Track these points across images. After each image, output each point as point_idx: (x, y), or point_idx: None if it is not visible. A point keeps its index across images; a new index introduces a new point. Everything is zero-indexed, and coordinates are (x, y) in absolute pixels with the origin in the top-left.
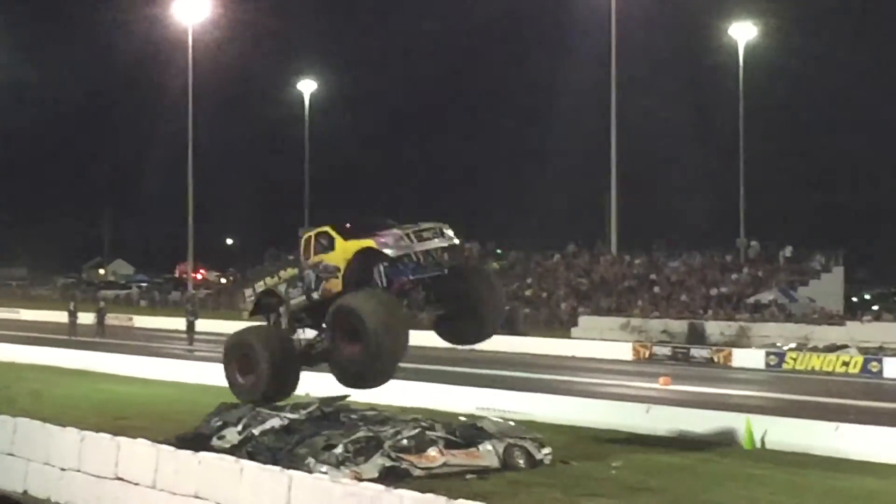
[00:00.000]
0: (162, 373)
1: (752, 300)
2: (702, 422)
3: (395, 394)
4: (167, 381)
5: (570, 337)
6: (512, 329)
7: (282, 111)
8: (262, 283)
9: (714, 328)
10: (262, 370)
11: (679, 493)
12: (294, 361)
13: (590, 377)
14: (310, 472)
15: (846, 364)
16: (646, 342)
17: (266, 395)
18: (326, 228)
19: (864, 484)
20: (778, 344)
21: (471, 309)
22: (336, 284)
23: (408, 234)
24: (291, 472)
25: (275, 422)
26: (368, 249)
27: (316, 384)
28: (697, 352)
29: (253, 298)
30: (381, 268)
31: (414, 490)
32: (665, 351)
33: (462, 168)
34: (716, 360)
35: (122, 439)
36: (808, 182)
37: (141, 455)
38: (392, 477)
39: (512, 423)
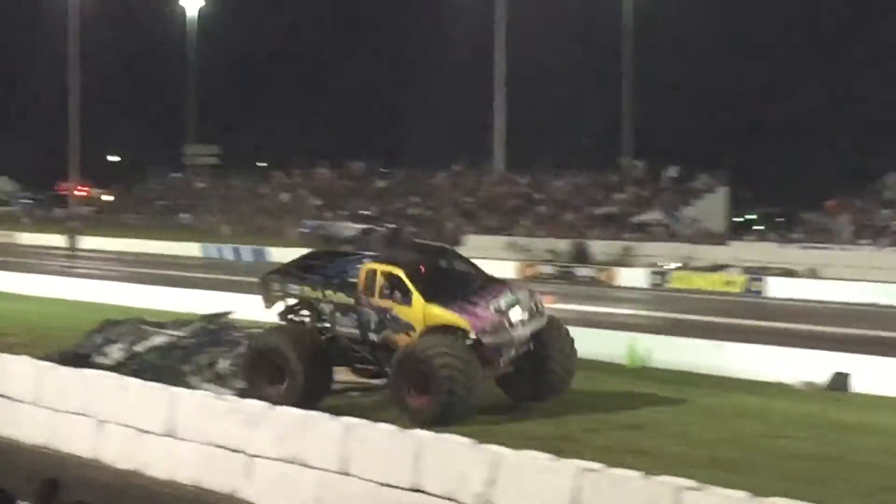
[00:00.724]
0: (43, 289)
1: (636, 220)
2: (586, 341)
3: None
4: (48, 298)
5: None
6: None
7: (168, 25)
8: (297, 287)
9: (599, 247)
10: (295, 376)
11: (561, 412)
12: (328, 362)
13: None
14: (194, 389)
15: (729, 283)
16: (531, 261)
17: (298, 404)
18: (398, 272)
19: (745, 401)
20: (661, 263)
21: (541, 365)
22: (405, 341)
23: (509, 321)
24: (175, 389)
25: (159, 339)
26: (457, 328)
27: (200, 303)
28: (582, 271)
29: (282, 294)
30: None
31: (298, 407)
32: (550, 270)
33: (346, 85)
34: (600, 279)
35: (4, 356)
36: (693, 102)
37: (23, 372)
38: None
39: None
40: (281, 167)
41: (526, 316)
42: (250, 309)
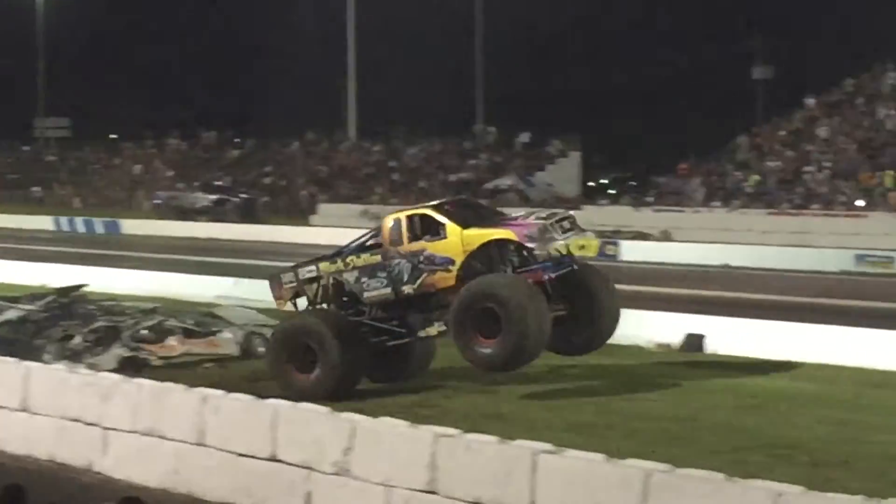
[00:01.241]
0: None
1: (490, 186)
2: None
3: (134, 283)
4: None
5: (309, 224)
6: (250, 217)
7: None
8: (311, 267)
9: None
10: (331, 362)
11: (419, 378)
12: (364, 350)
13: None
14: (47, 363)
15: (583, 248)
16: None
17: (335, 392)
18: (427, 211)
19: (600, 364)
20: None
21: (587, 312)
22: (446, 279)
23: (552, 224)
24: (29, 363)
25: (11, 314)
26: (501, 241)
27: (53, 276)
28: None
29: (294, 285)
30: (514, 261)
31: (153, 380)
32: None
33: (198, 55)
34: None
35: None
36: (546, 68)
37: None
38: (131, 367)
39: (252, 311)
40: (133, 139)
41: (567, 224)
42: (103, 281)
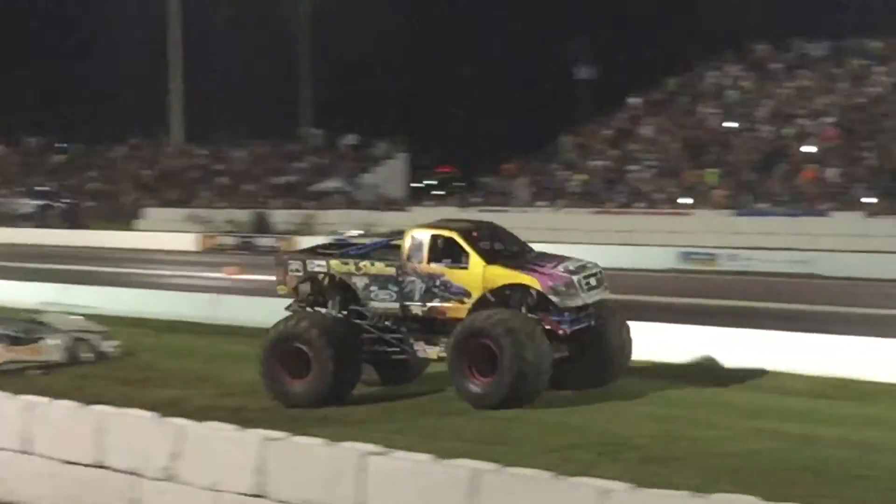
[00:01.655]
0: None
1: (316, 188)
2: (267, 310)
3: None
4: None
5: (134, 229)
6: (75, 223)
7: None
8: (321, 262)
9: (280, 217)
10: (323, 368)
11: (245, 380)
12: (358, 356)
13: (156, 269)
14: None
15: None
16: (211, 233)
17: (327, 398)
18: (452, 235)
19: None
20: (342, 231)
21: (596, 353)
22: (458, 310)
23: (579, 281)
24: None
25: None
26: (523, 287)
27: None
28: (263, 241)
29: (300, 275)
30: (529, 304)
31: None
32: (231, 241)
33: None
34: (281, 248)
35: None
36: (372, 69)
37: None
38: None
39: (77, 318)
40: None
41: (594, 282)
42: None
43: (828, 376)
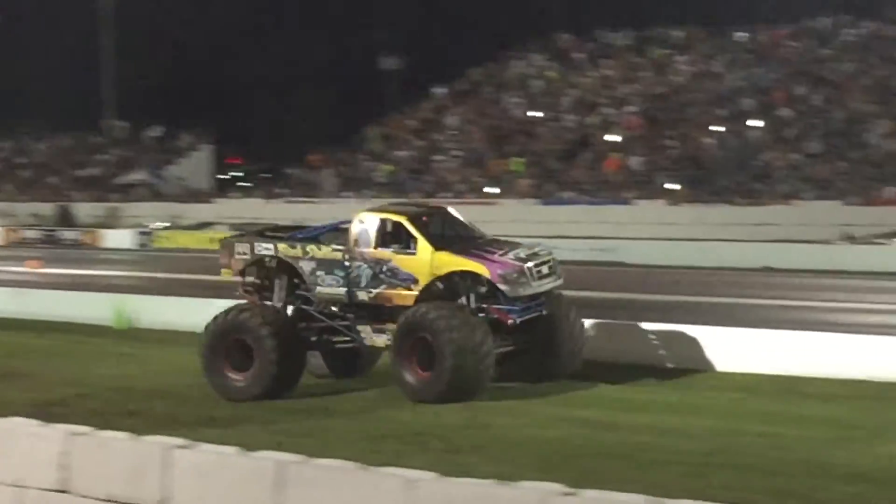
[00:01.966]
0: None
1: (120, 181)
2: (72, 304)
3: None
4: None
5: None
6: None
7: None
8: (268, 245)
9: (84, 210)
10: (266, 360)
11: (48, 374)
12: (302, 347)
13: None
14: None
15: (213, 241)
16: (14, 226)
17: (270, 392)
18: (401, 220)
19: None
20: (148, 223)
21: (547, 345)
22: (405, 297)
23: (530, 269)
24: None
25: None
26: (471, 274)
27: None
28: (67, 234)
29: (249, 258)
30: (478, 293)
31: None
32: (34, 234)
33: None
34: (85, 241)
35: None
36: (177, 61)
37: None
38: None
39: None
40: None
41: (545, 270)
42: None
43: (628, 364)
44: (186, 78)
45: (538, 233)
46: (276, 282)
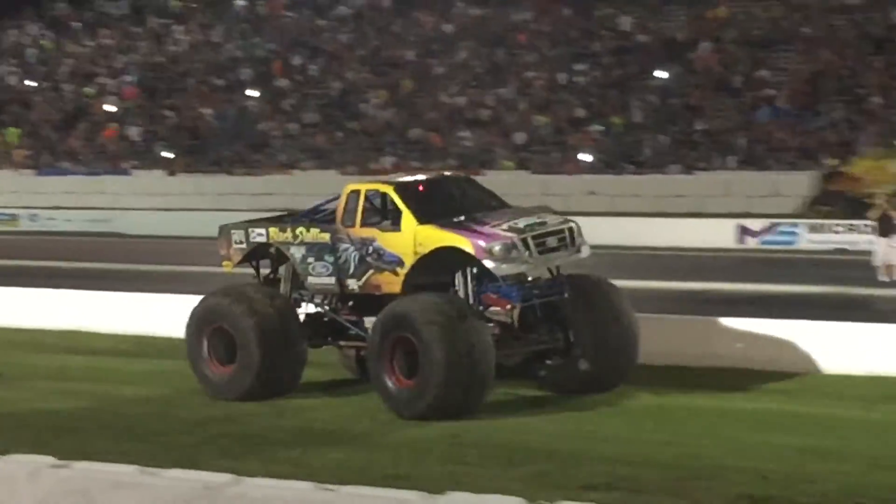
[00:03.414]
0: None
1: None
2: None
3: None
4: None
5: None
6: None
7: None
8: (261, 230)
9: None
10: (249, 353)
11: None
12: (298, 340)
13: None
14: None
15: None
16: None
17: (255, 393)
18: (387, 189)
19: None
20: None
21: (582, 344)
22: (391, 283)
23: (524, 240)
24: None
25: None
26: (456, 251)
27: None
28: None
29: (245, 248)
30: (470, 274)
31: None
32: None
33: None
34: None
35: None
36: None
37: None
38: None
39: None
40: None
41: (554, 242)
42: None
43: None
44: None
45: (35, 203)
46: (283, 272)
